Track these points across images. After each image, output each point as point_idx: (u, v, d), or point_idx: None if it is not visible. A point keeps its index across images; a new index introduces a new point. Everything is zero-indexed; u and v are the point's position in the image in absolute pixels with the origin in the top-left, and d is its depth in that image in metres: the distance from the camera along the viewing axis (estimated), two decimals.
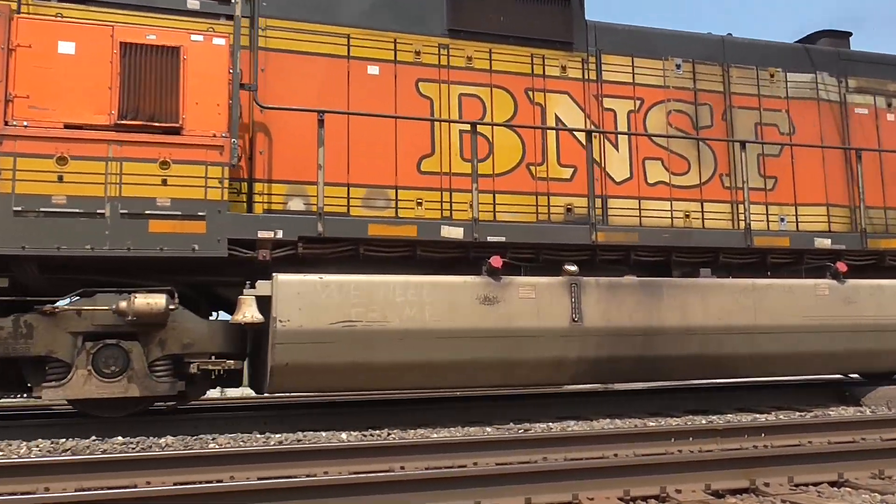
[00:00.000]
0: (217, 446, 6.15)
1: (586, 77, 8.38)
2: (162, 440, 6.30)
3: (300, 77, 7.42)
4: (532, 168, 8.00)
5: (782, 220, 8.83)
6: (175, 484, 4.75)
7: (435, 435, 6.57)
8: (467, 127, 7.80)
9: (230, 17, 7.22)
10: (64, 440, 6.16)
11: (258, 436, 6.63)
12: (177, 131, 6.62)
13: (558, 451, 5.68)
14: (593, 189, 7.96)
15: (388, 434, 6.73)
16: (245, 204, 7.14)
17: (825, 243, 8.50)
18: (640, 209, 8.36)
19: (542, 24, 8.27)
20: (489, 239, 7.32)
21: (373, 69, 7.65)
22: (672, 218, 8.44)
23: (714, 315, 7.83)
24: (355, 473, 4.94)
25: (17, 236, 6.14)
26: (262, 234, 6.69)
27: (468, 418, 7.65)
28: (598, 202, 8.21)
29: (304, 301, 6.62)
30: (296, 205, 7.15)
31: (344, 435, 6.61)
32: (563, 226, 7.76)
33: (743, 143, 8.45)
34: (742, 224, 8.48)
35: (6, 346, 6.26)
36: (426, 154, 7.71)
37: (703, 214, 8.45)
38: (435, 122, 7.69)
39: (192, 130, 6.66)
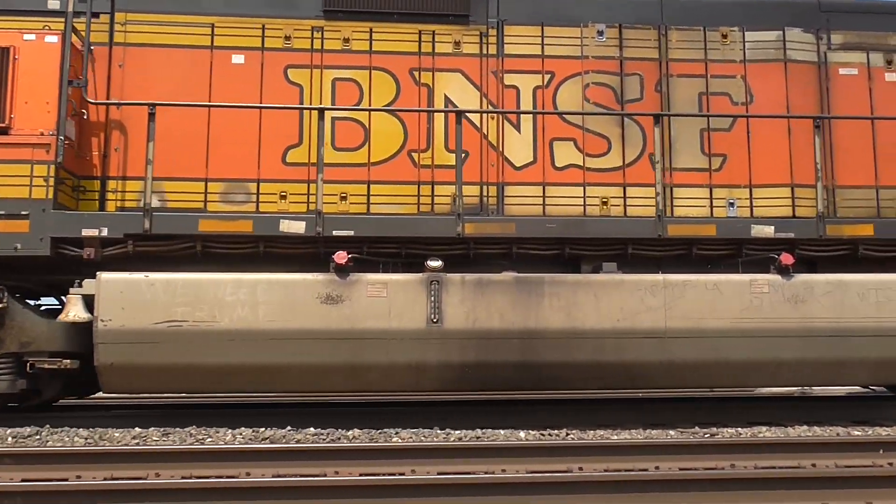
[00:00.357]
0: (399, 440, 6.49)
1: (485, 52, 7.61)
2: (350, 432, 6.71)
3: (162, 70, 7.24)
4: (415, 155, 7.37)
5: (731, 204, 7.62)
6: (360, 475, 5.10)
7: (615, 437, 6.73)
8: (341, 114, 7.27)
9: (94, 14, 7.13)
10: (263, 429, 6.72)
11: (438, 431, 6.87)
12: (4, 131, 6.65)
13: (748, 458, 5.58)
14: (457, 176, 7.14)
15: (567, 434, 6.91)
16: (97, 202, 7.06)
17: (765, 231, 7.21)
18: (544, 196, 7.47)
19: None
20: (335, 233, 6.82)
21: (237, 58, 7.36)
22: (585, 205, 7.50)
23: (611, 316, 6.87)
24: (532, 472, 5.12)
25: None
26: (86, 233, 6.58)
27: (651, 420, 7.59)
28: (494, 190, 7.40)
29: (127, 300, 6.47)
30: (152, 201, 6.99)
31: (522, 434, 6.82)
32: (424, 217, 7.08)
33: (657, 117, 7.29)
34: (680, 210, 7.35)
35: None
36: (293, 144, 7.29)
37: (625, 200, 7.42)
38: (304, 111, 7.20)
39: (20, 130, 6.68)
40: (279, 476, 5.02)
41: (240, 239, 6.88)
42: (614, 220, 7.23)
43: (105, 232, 6.63)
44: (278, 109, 7.23)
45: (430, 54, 7.60)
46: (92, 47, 7.18)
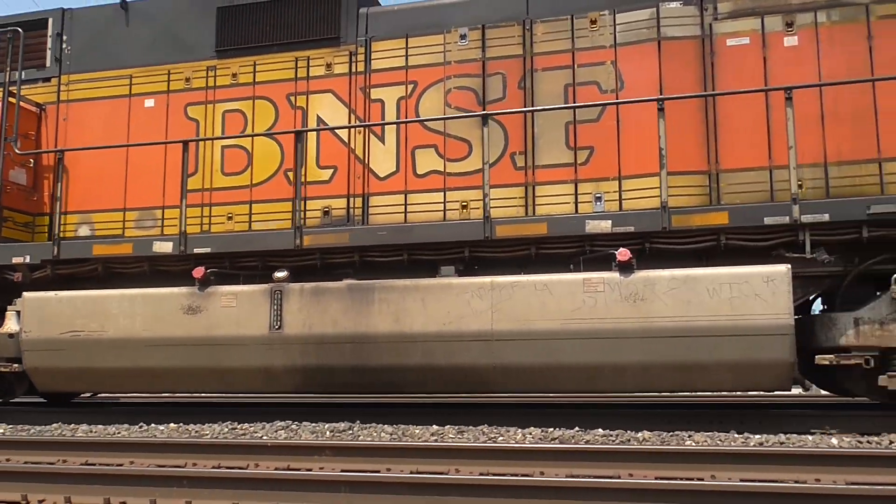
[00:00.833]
0: (693, 444, 6.10)
1: (353, 70, 8.28)
2: (639, 434, 6.49)
3: (93, 120, 8.86)
4: (289, 174, 8.28)
5: (598, 198, 7.56)
6: (656, 478, 4.82)
7: None
8: (229, 142, 8.41)
9: (47, 79, 8.89)
10: (552, 429, 6.76)
11: (735, 435, 6.44)
12: None
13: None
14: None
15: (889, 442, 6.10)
16: (46, 235, 8.82)
17: (601, 226, 7.07)
18: (405, 204, 7.99)
19: (308, 25, 8.42)
20: (196, 251, 7.91)
21: (149, 102, 8.75)
22: (445, 210, 7.88)
23: (437, 320, 7.24)
24: (854, 484, 4.51)
25: None
26: (15, 260, 8.31)
27: None
28: (360, 201, 8.09)
29: (42, 314, 8.08)
30: (83, 231, 8.61)
31: (834, 440, 6.25)
32: (267, 233, 7.90)
33: (484, 114, 7.45)
34: (542, 209, 7.50)
35: None
36: (191, 174, 8.55)
37: (484, 202, 7.70)
38: (200, 143, 8.42)
39: None
40: (573, 476, 4.90)
41: (128, 259, 8.07)
42: (448, 224, 7.37)
43: (28, 259, 8.13)
44: (175, 143, 8.28)
45: (304, 79, 8.29)
46: (45, 106, 8.76)
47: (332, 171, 7.84)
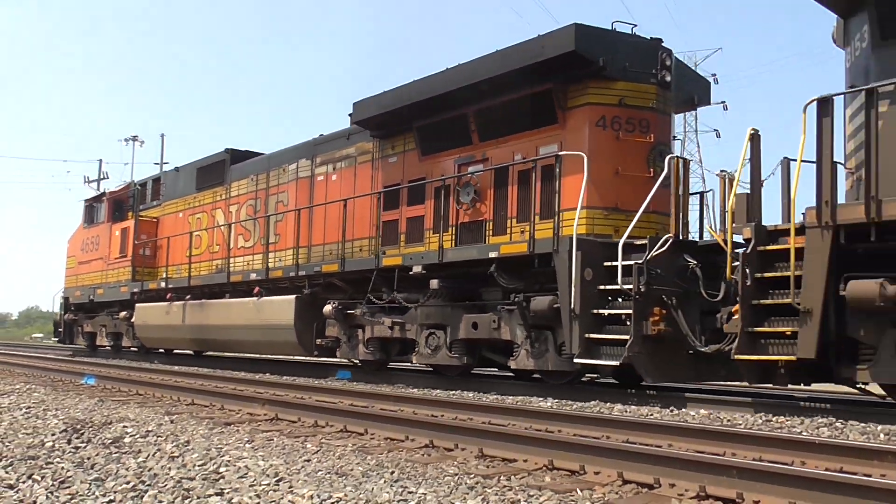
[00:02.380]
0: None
1: (226, 196, 18.55)
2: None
3: (170, 223, 20.63)
4: (210, 249, 18.98)
5: (280, 260, 16.77)
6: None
7: None
8: (197, 231, 19.48)
9: (158, 205, 20.79)
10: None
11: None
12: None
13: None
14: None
15: None
16: (155, 278, 20.89)
17: (251, 276, 16.35)
18: (229, 261, 18.08)
19: (215, 177, 18.87)
20: (186, 285, 19.02)
21: (179, 214, 20.24)
22: (243, 266, 17.78)
23: (223, 317, 17.24)
24: None
25: None
26: (133, 290, 20.46)
27: None
28: (226, 262, 18.47)
29: (142, 311, 19.89)
30: (163, 276, 20.42)
31: None
32: (200, 276, 18.58)
33: (255, 218, 17.10)
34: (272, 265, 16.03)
35: None
36: (196, 247, 19.74)
37: (251, 263, 17.37)
38: (194, 234, 19.51)
39: (124, 258, 21.00)
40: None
41: (164, 291, 19.34)
42: (224, 273, 17.13)
43: (137, 289, 19.91)
44: (190, 233, 19.15)
45: (212, 201, 18.56)
46: (158, 218, 20.31)
47: (219, 247, 17.61)
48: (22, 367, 14.83)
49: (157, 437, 5.91)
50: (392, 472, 4.71)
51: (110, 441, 5.73)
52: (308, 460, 5.11)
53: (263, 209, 16.23)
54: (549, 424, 6.57)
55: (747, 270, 7.71)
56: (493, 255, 10.56)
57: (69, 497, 4.16)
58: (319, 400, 8.57)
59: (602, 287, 9.27)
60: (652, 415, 7.52)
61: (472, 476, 4.66)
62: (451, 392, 9.88)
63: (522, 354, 10.17)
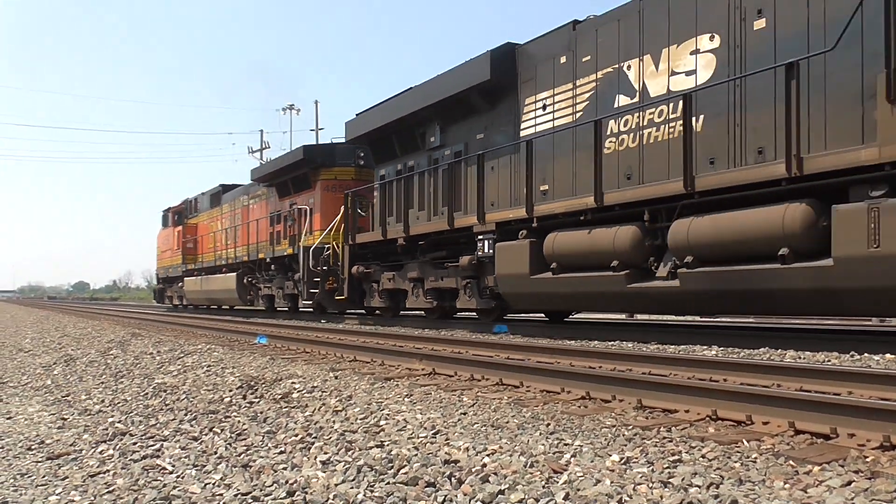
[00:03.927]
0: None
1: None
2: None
3: (205, 226, 32.06)
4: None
5: (235, 253, 26.07)
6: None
7: None
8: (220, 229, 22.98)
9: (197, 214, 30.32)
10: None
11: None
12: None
13: None
14: None
15: None
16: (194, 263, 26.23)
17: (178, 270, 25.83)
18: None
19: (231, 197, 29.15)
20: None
21: (221, 220, 30.87)
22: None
23: (215, 285, 28.19)
24: None
25: None
26: (181, 271, 30.05)
27: None
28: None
29: (189, 283, 31.90)
30: (199, 262, 29.23)
31: None
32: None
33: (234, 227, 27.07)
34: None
35: None
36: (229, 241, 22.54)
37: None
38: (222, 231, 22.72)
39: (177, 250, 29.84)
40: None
41: (204, 269, 30.10)
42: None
43: (183, 269, 31.01)
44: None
45: (219, 215, 29.98)
46: (195, 225, 30.58)
47: (216, 244, 28.32)
48: (203, 329, 15.42)
49: (323, 392, 6.01)
50: (548, 425, 4.58)
51: (280, 396, 5.87)
52: (464, 413, 5.04)
53: (231, 223, 27.42)
54: (714, 373, 6.21)
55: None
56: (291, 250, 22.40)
57: (245, 448, 4.33)
58: (476, 354, 8.36)
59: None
60: (829, 361, 7.03)
61: (630, 427, 4.46)
62: (610, 343, 9.67)
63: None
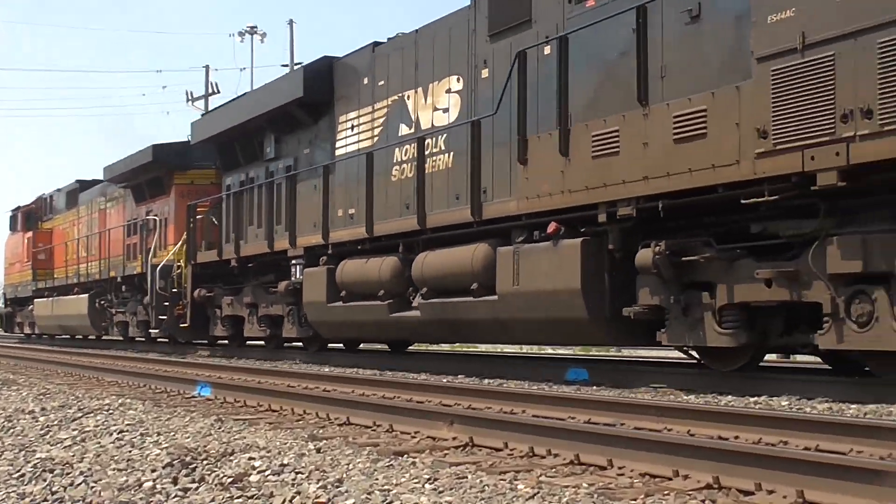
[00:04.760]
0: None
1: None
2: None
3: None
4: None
5: (87, 270, 24.85)
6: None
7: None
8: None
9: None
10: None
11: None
12: None
13: None
14: None
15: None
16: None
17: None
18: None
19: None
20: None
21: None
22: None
23: None
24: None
25: None
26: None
27: None
28: None
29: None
30: None
31: None
32: None
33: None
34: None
35: None
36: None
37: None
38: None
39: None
40: None
41: None
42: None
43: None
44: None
45: (74, 219, 27.41)
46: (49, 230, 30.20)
47: (73, 256, 27.01)
48: (112, 373, 13.25)
49: (297, 473, 4.83)
50: None
51: (231, 480, 4.66)
52: None
53: (88, 230, 24.48)
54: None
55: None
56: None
57: None
58: (536, 415, 7.07)
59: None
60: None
61: None
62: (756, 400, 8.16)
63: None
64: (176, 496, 4.32)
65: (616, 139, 8.98)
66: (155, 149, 19.74)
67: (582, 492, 4.30)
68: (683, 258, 8.29)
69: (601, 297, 9.23)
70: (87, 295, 22.54)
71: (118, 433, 6.33)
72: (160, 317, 18.38)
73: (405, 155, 12.29)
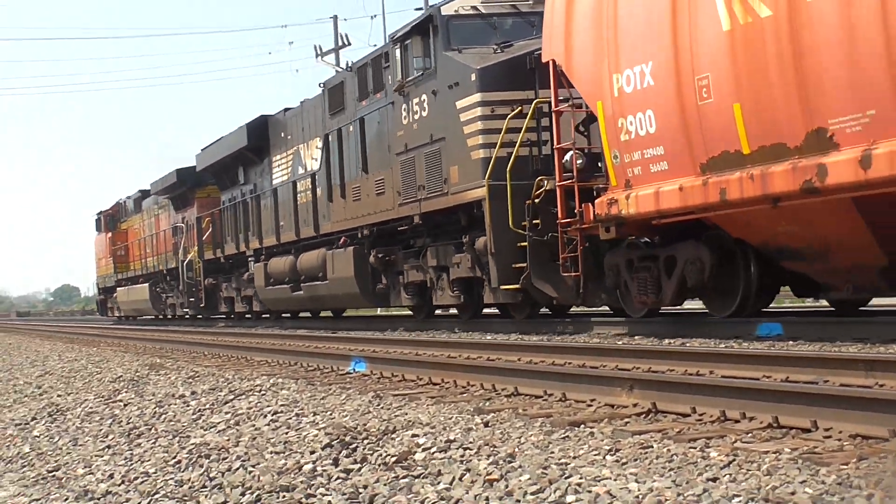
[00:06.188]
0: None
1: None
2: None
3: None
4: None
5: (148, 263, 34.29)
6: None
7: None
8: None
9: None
10: None
11: None
12: None
13: None
14: None
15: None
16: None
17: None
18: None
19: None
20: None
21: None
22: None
23: None
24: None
25: None
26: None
27: None
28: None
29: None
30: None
31: None
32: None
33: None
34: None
35: None
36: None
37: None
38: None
39: None
40: None
41: None
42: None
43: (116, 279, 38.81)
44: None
45: (140, 222, 35.13)
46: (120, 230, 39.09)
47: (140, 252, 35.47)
48: (260, 352, 13.10)
49: (465, 449, 4.66)
50: (869, 498, 3.44)
51: (395, 459, 4.57)
52: (713, 479, 3.79)
53: (149, 231, 32.59)
54: None
55: None
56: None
57: None
58: (726, 376, 6.79)
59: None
60: None
61: None
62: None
63: None
64: (338, 478, 4.27)
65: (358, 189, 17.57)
66: (178, 172, 27.52)
67: (784, 457, 4.07)
68: (388, 258, 16.74)
69: (365, 280, 17.21)
70: (147, 284, 30.72)
71: (273, 415, 6.29)
72: (190, 299, 26.81)
73: (299, 187, 19.87)
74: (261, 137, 21.53)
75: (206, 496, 4.23)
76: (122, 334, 22.39)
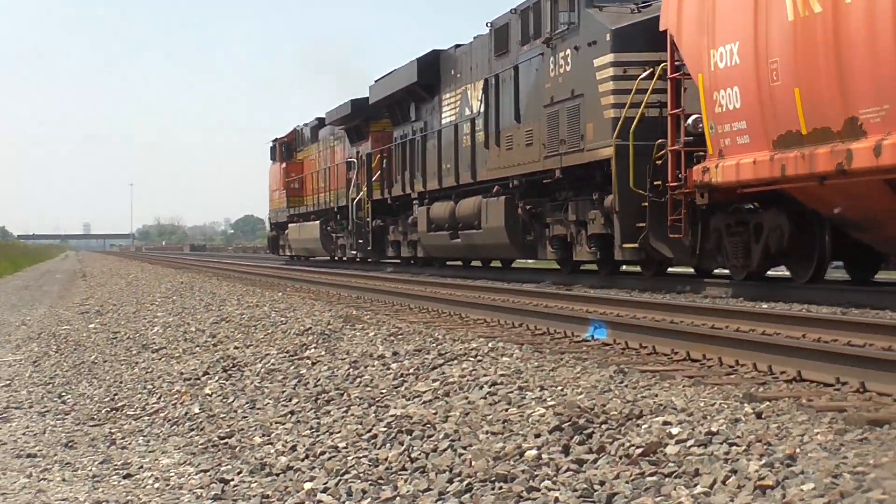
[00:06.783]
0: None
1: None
2: None
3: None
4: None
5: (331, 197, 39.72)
6: None
7: None
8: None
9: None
10: None
11: None
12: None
13: None
14: None
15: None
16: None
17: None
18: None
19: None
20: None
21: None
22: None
23: None
24: None
25: None
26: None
27: None
28: None
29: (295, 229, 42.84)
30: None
31: None
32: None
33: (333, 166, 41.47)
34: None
35: None
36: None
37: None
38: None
39: None
40: None
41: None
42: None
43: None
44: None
45: (316, 152, 40.54)
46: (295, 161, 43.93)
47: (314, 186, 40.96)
48: (477, 308, 12.77)
49: (731, 445, 4.41)
50: None
51: (640, 451, 4.43)
52: None
53: (324, 164, 36.82)
54: None
55: None
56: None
57: None
58: None
59: None
60: None
61: None
62: None
63: None
64: (568, 470, 4.27)
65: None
66: (353, 102, 30.93)
67: None
68: (535, 210, 20.45)
69: (515, 230, 20.81)
70: (318, 221, 34.49)
71: (490, 386, 6.25)
72: (359, 241, 30.13)
73: (463, 130, 23.12)
74: (432, 74, 24.53)
75: (405, 480, 4.24)
76: (308, 277, 22.89)
